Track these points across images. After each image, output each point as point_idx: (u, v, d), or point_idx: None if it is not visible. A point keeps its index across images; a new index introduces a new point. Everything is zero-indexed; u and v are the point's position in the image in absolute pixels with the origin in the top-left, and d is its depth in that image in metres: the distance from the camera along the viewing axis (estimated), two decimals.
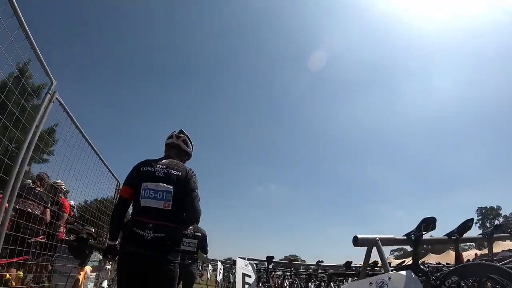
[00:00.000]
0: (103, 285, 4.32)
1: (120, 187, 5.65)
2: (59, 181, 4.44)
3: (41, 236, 3.83)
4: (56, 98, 3.10)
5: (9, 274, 3.41)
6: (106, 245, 2.20)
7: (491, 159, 67.13)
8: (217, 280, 11.25)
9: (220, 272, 10.47)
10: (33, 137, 2.75)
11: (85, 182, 4.14)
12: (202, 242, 4.67)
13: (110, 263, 4.47)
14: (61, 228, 4.44)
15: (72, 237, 2.77)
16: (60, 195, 4.58)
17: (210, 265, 15.21)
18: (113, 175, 5.64)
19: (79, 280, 2.46)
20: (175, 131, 2.33)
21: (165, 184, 1.97)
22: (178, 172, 2.05)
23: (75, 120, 3.60)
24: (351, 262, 6.25)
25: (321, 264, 7.63)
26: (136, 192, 2.00)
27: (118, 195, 2.18)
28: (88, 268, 2.73)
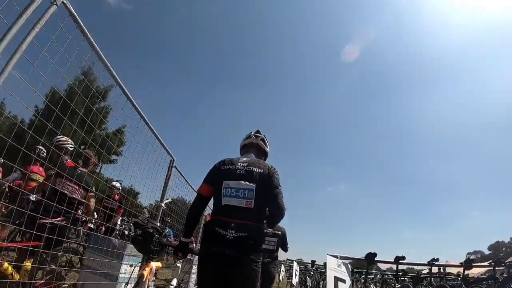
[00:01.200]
0: (172, 283, 4.02)
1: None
2: (63, 137, 3.32)
3: (61, 218, 2.83)
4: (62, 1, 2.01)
5: (7, 264, 2.60)
6: (178, 242, 2.16)
7: None
8: (291, 283, 10.14)
9: (296, 274, 9.36)
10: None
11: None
12: (282, 240, 4.60)
13: (181, 261, 4.24)
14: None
15: (138, 231, 2.69)
16: (66, 158, 3.36)
17: (282, 266, 14.24)
18: (167, 151, 4.63)
19: (143, 275, 2.29)
20: (252, 132, 2.30)
21: (247, 182, 1.91)
22: (259, 170, 1.98)
23: (92, 40, 2.33)
24: (473, 260, 4.63)
25: (435, 263, 5.49)
26: (217, 191, 1.96)
27: (197, 193, 2.08)
28: (154, 264, 2.55)
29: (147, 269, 2.42)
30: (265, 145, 2.27)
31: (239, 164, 2.00)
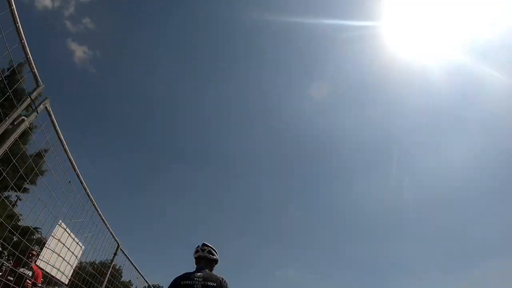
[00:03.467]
0: None
1: (119, 250, 5.24)
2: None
3: None
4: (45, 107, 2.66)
5: None
6: None
7: None
8: None
9: None
10: None
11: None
12: None
13: None
14: None
15: None
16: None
17: None
18: (113, 236, 4.65)
19: None
20: (199, 245, 2.66)
21: None
22: (213, 283, 2.32)
23: (65, 145, 2.93)
24: None
25: None
26: None
27: None
28: None
29: None
30: (212, 254, 2.61)
31: (195, 279, 2.34)
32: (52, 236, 3.22)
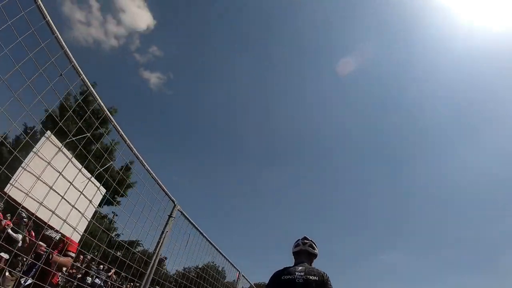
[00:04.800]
0: None
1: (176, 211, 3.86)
2: None
3: None
4: None
5: None
6: None
7: None
8: None
9: None
10: None
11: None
12: None
13: None
14: None
15: None
16: None
17: None
18: (166, 193, 3.30)
19: None
20: (299, 239, 2.64)
21: None
22: (315, 277, 2.27)
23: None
24: None
25: None
26: None
27: None
28: None
29: None
30: (313, 249, 2.56)
31: (296, 273, 2.27)
32: (34, 152, 1.94)
